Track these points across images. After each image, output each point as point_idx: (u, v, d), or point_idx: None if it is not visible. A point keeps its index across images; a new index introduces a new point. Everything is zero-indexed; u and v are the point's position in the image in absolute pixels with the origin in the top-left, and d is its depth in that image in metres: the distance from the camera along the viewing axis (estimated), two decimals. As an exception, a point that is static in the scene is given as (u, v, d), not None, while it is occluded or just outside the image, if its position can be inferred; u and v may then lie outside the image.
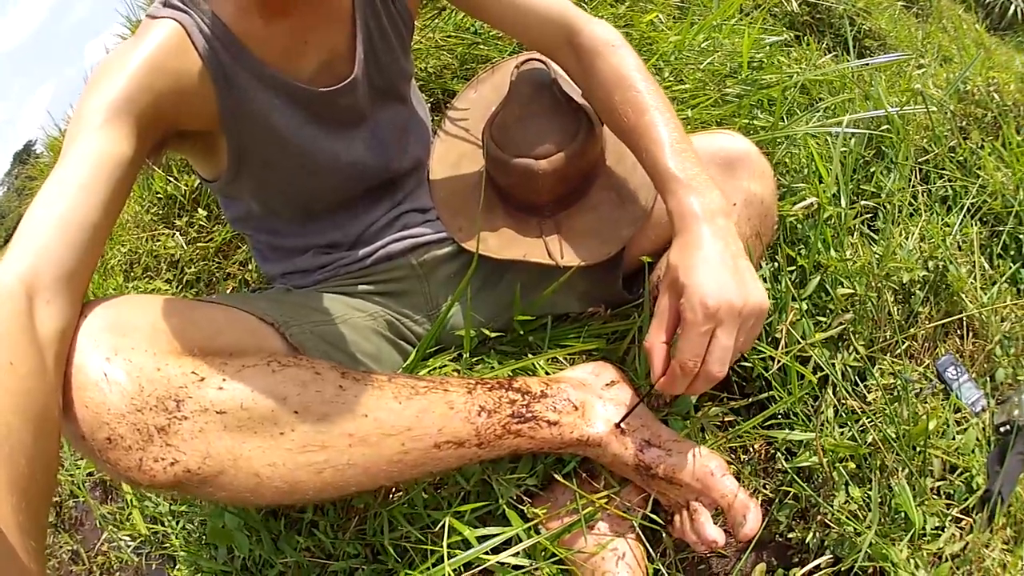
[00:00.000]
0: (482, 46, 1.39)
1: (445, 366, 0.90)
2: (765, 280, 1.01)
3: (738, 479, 0.78)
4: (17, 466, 0.46)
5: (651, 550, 0.81)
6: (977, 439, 0.87)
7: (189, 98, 0.72)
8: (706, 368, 0.66)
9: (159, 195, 1.50)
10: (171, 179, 1.49)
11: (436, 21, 1.44)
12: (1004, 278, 1.07)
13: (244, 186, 0.84)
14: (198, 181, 1.48)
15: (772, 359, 0.90)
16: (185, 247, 1.42)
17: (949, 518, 0.81)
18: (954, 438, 0.87)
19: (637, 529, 0.79)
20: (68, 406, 0.54)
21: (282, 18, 0.77)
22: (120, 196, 0.64)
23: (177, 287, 1.40)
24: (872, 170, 1.23)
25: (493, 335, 0.92)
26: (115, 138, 0.64)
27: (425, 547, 0.77)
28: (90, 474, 1.26)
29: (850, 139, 1.21)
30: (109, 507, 1.19)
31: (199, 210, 1.45)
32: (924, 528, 0.79)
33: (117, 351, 0.55)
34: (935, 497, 0.82)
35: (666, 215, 0.82)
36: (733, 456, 0.92)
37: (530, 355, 0.90)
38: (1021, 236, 1.13)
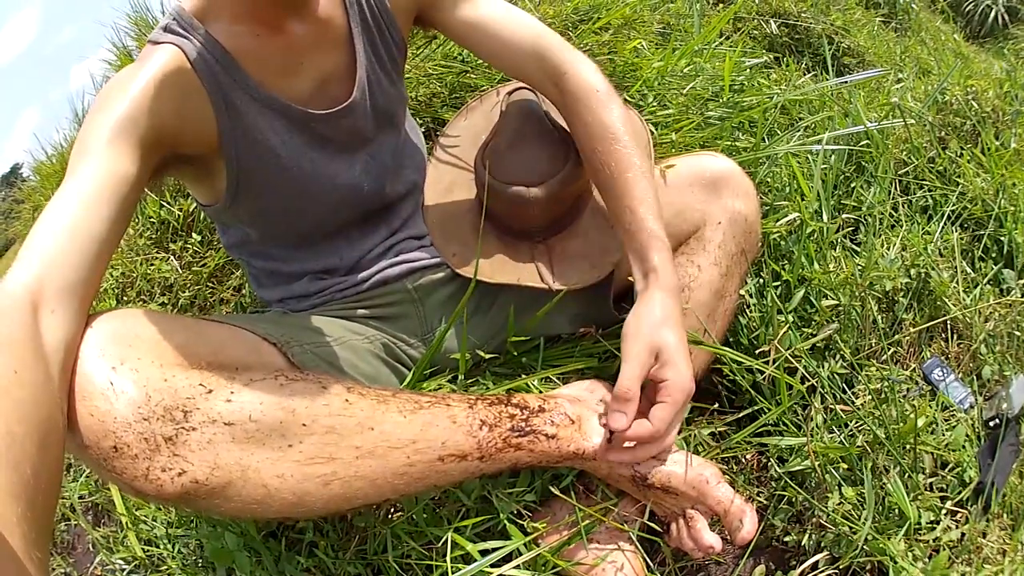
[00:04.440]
0: (471, 75, 1.41)
1: (441, 387, 0.91)
2: (751, 295, 1.04)
3: (732, 488, 0.80)
4: (23, 475, 0.46)
5: (649, 560, 0.82)
6: (966, 435, 0.88)
7: (190, 120, 0.74)
8: (665, 439, 0.74)
9: (152, 219, 1.51)
10: (164, 204, 1.50)
11: (426, 51, 1.46)
12: (986, 280, 1.09)
13: (241, 211, 0.86)
14: (192, 206, 1.48)
15: (761, 371, 0.93)
16: (179, 271, 1.42)
17: (944, 511, 0.82)
18: (944, 435, 0.89)
19: (635, 540, 0.81)
20: (72, 416, 0.53)
21: (277, 36, 0.79)
22: (124, 214, 0.66)
23: (171, 311, 1.40)
24: (853, 185, 1.26)
25: (487, 357, 0.94)
26: (119, 157, 0.66)
27: (428, 563, 0.78)
28: (81, 497, 1.24)
29: (830, 156, 1.24)
30: (102, 531, 1.18)
31: (193, 235, 1.45)
32: (919, 521, 0.80)
33: (123, 360, 0.56)
34: (928, 492, 0.83)
35: None
36: (726, 467, 0.94)
37: (523, 376, 0.92)
38: (1002, 238, 1.15)
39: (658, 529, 0.83)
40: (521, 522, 0.81)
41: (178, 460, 0.55)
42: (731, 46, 1.71)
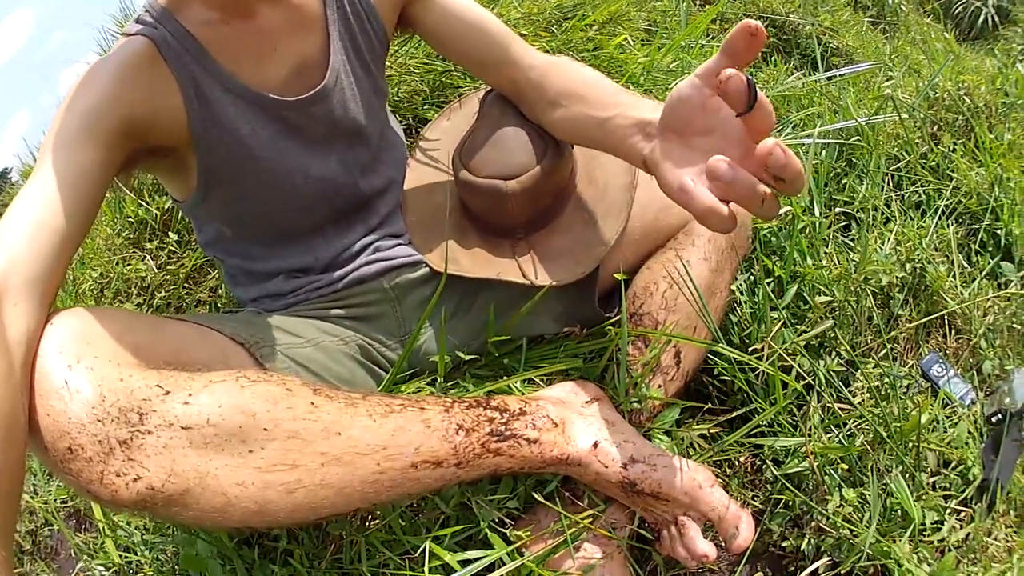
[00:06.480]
0: (454, 73, 1.40)
1: (420, 390, 0.88)
2: (742, 292, 1.01)
3: (727, 492, 0.76)
4: None
5: (639, 570, 0.79)
6: (969, 432, 0.87)
7: (160, 112, 0.73)
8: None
9: (130, 219, 1.49)
10: (142, 203, 1.48)
11: (407, 47, 1.45)
12: (983, 274, 1.08)
13: (214, 205, 0.84)
14: (168, 204, 1.46)
15: (753, 370, 0.90)
16: (155, 271, 1.40)
17: (948, 510, 0.81)
18: (946, 432, 0.87)
19: (624, 549, 0.77)
20: (32, 415, 0.53)
21: (247, 21, 0.78)
22: (91, 207, 0.65)
23: (147, 312, 1.38)
24: (844, 181, 1.25)
25: (467, 359, 0.90)
26: (85, 151, 0.65)
27: (405, 573, 0.75)
28: (64, 502, 1.23)
29: (821, 151, 1.23)
30: (83, 536, 1.16)
31: (170, 234, 1.43)
32: (924, 522, 0.78)
33: (80, 359, 0.54)
34: (932, 491, 0.82)
35: (638, 234, 0.84)
36: (719, 470, 0.91)
37: (506, 377, 0.89)
38: (998, 232, 1.14)
39: (649, 537, 0.80)
40: (503, 530, 0.77)
41: (133, 465, 0.53)
42: (718, 45, 1.69)
